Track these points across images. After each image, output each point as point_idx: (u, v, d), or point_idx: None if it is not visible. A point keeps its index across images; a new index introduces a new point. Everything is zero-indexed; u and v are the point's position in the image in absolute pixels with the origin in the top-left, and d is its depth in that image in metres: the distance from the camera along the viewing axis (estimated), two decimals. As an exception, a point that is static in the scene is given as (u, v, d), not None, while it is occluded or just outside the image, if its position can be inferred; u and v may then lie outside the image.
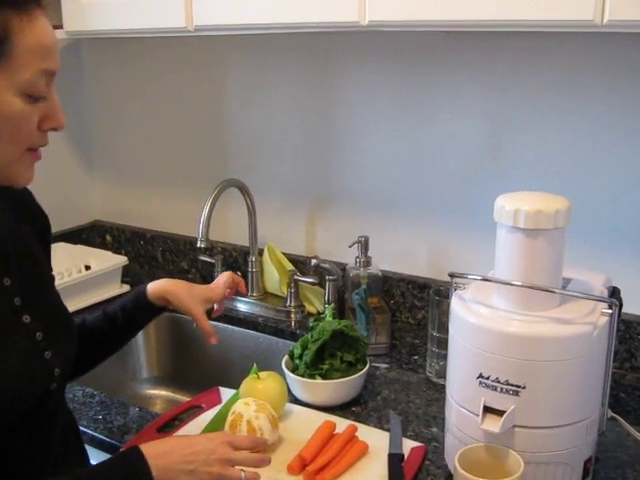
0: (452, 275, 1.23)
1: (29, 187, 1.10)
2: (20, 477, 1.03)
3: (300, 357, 1.51)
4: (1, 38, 0.89)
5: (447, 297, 1.52)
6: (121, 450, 1.11)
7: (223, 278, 1.50)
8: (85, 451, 1.28)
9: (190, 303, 1.40)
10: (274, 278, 1.98)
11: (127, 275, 2.17)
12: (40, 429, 1.10)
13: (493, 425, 1.11)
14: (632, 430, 1.27)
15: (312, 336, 1.52)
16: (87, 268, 2.04)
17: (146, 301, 1.38)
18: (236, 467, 1.08)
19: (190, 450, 1.05)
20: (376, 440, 1.34)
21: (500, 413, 1.11)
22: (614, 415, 1.25)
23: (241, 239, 2.09)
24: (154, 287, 1.39)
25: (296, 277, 1.91)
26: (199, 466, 1.04)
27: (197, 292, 1.43)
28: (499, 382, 1.11)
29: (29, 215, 1.17)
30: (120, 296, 2.03)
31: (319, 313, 1.85)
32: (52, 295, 1.19)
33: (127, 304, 1.38)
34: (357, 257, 1.79)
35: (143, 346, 2.05)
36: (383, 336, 1.73)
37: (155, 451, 1.03)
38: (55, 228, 1.28)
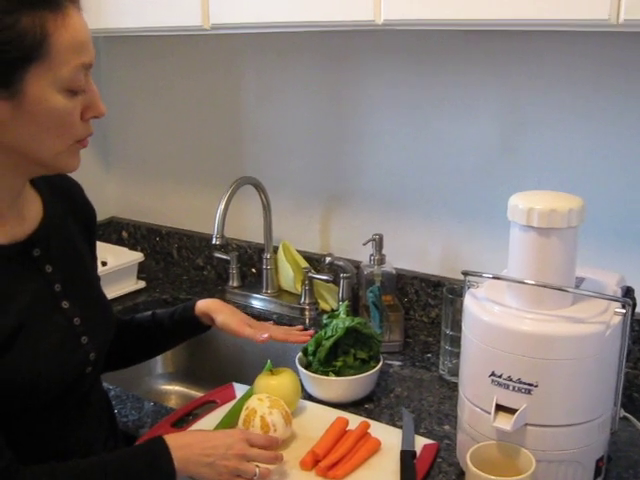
0: (465, 273, 1.23)
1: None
2: (53, 455, 1.07)
3: (314, 354, 1.52)
4: (39, 40, 0.93)
5: (460, 295, 1.52)
6: (146, 439, 1.16)
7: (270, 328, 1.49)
8: (118, 433, 1.33)
9: (233, 322, 1.40)
10: (288, 275, 1.99)
11: (143, 271, 2.19)
12: (74, 410, 1.15)
13: (505, 423, 1.11)
14: (644, 430, 1.27)
15: (326, 333, 1.52)
16: (103, 264, 2.05)
17: (192, 314, 1.41)
18: (251, 463, 1.14)
19: (210, 444, 1.13)
20: (388, 437, 1.35)
21: (512, 411, 1.12)
22: (627, 414, 1.25)
23: (256, 236, 2.10)
24: (201, 303, 1.42)
25: (310, 274, 1.92)
26: (217, 459, 1.11)
27: (240, 315, 1.44)
28: (511, 380, 1.11)
29: (75, 208, 1.23)
30: (136, 292, 2.08)
31: (333, 310, 1.86)
32: (92, 284, 1.24)
33: (175, 313, 1.42)
34: (371, 255, 1.79)
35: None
36: (396, 334, 1.74)
37: (177, 443, 1.10)
38: (72, 225, 1.29)
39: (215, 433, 1.21)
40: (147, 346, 1.45)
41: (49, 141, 1.00)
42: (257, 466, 1.15)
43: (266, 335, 1.39)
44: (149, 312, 1.45)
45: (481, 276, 1.20)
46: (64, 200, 1.20)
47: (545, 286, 1.11)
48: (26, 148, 1.00)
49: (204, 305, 1.42)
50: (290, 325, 1.87)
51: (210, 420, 1.42)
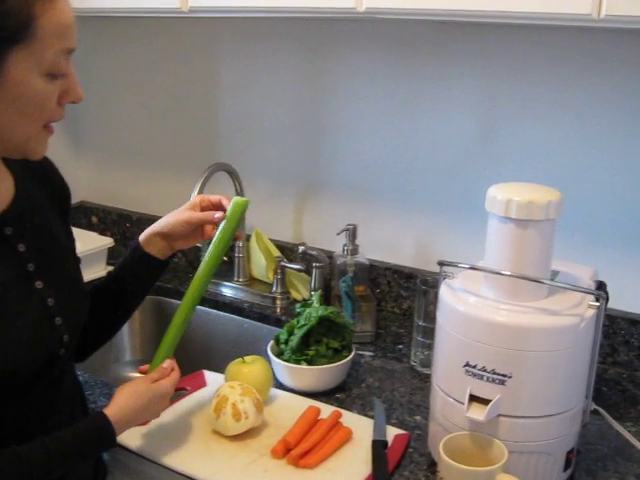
0: (441, 263, 1.23)
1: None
2: (25, 440, 1.04)
3: (286, 342, 1.51)
4: (25, 21, 0.91)
5: (433, 287, 1.53)
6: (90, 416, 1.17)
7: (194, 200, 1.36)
8: None
9: (179, 214, 1.30)
10: (260, 264, 1.98)
11: (113, 257, 2.16)
12: (45, 395, 1.13)
13: (478, 414, 1.12)
14: (614, 423, 1.29)
15: (298, 321, 1.52)
16: (72, 249, 2.02)
17: (142, 252, 1.31)
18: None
19: (145, 412, 1.19)
20: (360, 427, 1.34)
21: (486, 402, 1.12)
22: (597, 407, 1.26)
23: (228, 224, 2.08)
24: (143, 234, 1.32)
25: (283, 263, 1.91)
26: (148, 412, 1.21)
27: (183, 208, 1.33)
28: (485, 371, 1.12)
29: (48, 184, 1.20)
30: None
31: (304, 300, 1.85)
32: (67, 263, 1.21)
33: (126, 261, 1.33)
34: (345, 245, 1.79)
35: (127, 328, 2.04)
36: (368, 324, 1.74)
37: (117, 417, 1.13)
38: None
39: (152, 397, 1.19)
40: (118, 308, 1.36)
41: (23, 124, 0.98)
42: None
43: (219, 213, 1.27)
44: (105, 276, 1.37)
45: (457, 266, 1.20)
46: (37, 178, 1.17)
47: (521, 277, 1.12)
48: None
49: (147, 232, 1.31)
50: (260, 314, 1.87)
51: (180, 407, 1.41)
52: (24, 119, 0.98)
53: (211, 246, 1.28)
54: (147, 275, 1.34)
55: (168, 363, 1.24)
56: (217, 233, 1.27)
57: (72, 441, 1.07)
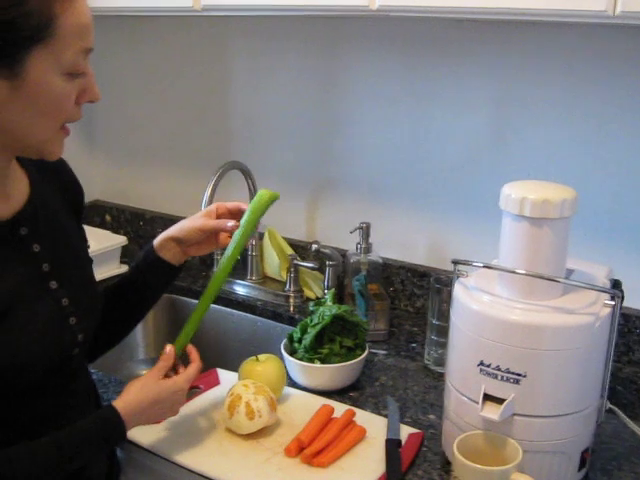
0: (455, 262, 1.23)
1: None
2: (35, 439, 1.05)
3: (299, 341, 1.51)
4: (46, 21, 0.92)
5: (447, 285, 1.53)
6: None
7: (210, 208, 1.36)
8: None
9: (194, 221, 1.30)
10: (274, 262, 1.98)
11: (126, 255, 2.16)
12: (59, 394, 1.14)
13: (493, 413, 1.11)
14: (629, 422, 1.28)
15: (312, 320, 1.52)
16: (86, 247, 2.03)
17: (155, 256, 1.31)
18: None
19: (158, 407, 1.18)
20: (373, 425, 1.34)
21: (500, 401, 1.12)
22: (612, 407, 1.25)
23: (241, 222, 2.08)
24: (159, 238, 1.32)
25: (296, 262, 1.91)
26: (161, 412, 1.21)
27: (198, 215, 1.33)
28: (500, 370, 1.11)
29: (62, 185, 1.21)
30: (119, 276, 2.05)
31: (318, 298, 1.85)
32: (80, 264, 1.21)
33: (139, 264, 1.33)
34: (358, 243, 1.79)
35: (140, 327, 2.04)
36: (382, 323, 1.73)
37: (127, 411, 1.13)
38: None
39: (160, 392, 1.19)
40: (129, 310, 1.37)
41: (41, 125, 0.99)
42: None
43: (232, 222, 1.27)
44: (119, 277, 1.37)
45: (471, 265, 1.19)
46: (51, 178, 1.18)
47: (536, 276, 1.11)
48: (17, 130, 0.98)
49: (161, 237, 1.31)
50: (274, 313, 1.87)
51: (194, 406, 1.41)
52: (43, 119, 0.99)
53: (234, 237, 1.28)
54: (159, 280, 1.34)
55: (169, 348, 1.25)
56: (241, 223, 1.27)
57: (82, 434, 1.08)
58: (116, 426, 1.11)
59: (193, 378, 1.24)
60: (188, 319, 1.30)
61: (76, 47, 0.96)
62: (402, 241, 1.88)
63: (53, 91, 0.97)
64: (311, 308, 1.56)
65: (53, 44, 0.94)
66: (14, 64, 0.93)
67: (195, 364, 1.25)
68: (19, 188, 1.10)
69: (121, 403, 1.13)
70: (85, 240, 1.27)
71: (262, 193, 1.28)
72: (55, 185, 1.19)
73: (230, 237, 1.28)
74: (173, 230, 1.30)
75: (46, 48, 0.94)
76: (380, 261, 1.80)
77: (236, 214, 1.30)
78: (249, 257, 2.00)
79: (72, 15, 0.95)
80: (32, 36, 0.92)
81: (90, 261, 1.26)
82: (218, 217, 1.31)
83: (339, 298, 1.80)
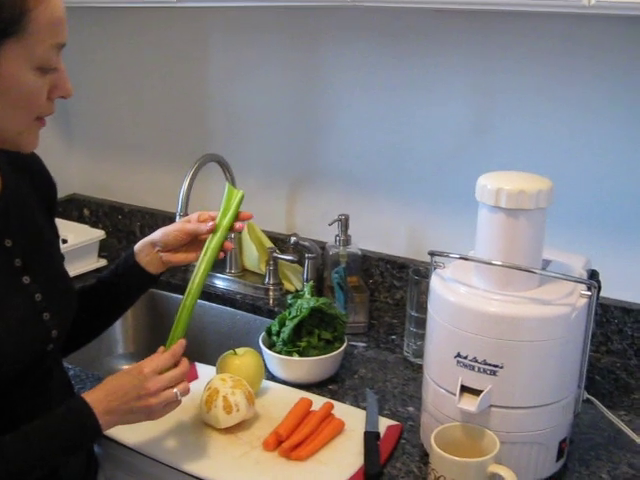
0: (432, 253, 1.22)
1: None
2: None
3: (278, 334, 1.51)
4: (18, 16, 0.92)
5: (426, 277, 1.52)
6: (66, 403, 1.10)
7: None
8: None
9: (174, 225, 1.31)
10: (253, 255, 1.97)
11: (104, 249, 2.15)
12: (35, 390, 1.13)
13: (470, 404, 1.11)
14: (607, 412, 1.28)
15: (290, 313, 1.51)
16: (64, 242, 2.00)
17: (133, 262, 1.31)
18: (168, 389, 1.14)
19: (121, 392, 1.10)
20: (352, 418, 1.34)
21: (477, 392, 1.12)
22: (589, 397, 1.26)
23: (220, 215, 2.07)
24: (139, 243, 1.32)
25: (275, 255, 1.90)
26: (135, 404, 1.10)
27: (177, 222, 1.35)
28: (477, 362, 1.11)
29: (34, 180, 1.19)
30: (97, 270, 2.04)
31: (297, 291, 1.85)
32: (53, 259, 1.20)
33: (118, 268, 1.33)
34: (337, 236, 1.78)
35: (119, 322, 2.03)
36: (361, 315, 1.73)
37: (97, 397, 1.08)
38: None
39: (122, 378, 1.13)
40: (102, 312, 1.36)
41: (14, 117, 0.98)
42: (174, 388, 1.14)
43: (210, 223, 1.27)
44: (94, 279, 1.36)
45: (448, 256, 1.19)
46: (24, 173, 1.17)
47: (512, 267, 1.11)
48: None
49: (141, 241, 1.31)
50: (253, 306, 1.86)
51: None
52: (16, 112, 0.98)
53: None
54: (133, 286, 1.34)
55: (181, 346, 1.20)
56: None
57: (52, 426, 1.05)
58: (86, 418, 1.06)
59: (162, 371, 1.15)
60: (176, 318, 1.25)
61: (49, 42, 0.96)
62: (381, 233, 1.88)
63: (24, 85, 0.96)
64: (289, 301, 1.55)
65: (25, 38, 0.93)
66: None
67: (178, 369, 1.17)
68: None
69: (92, 394, 1.09)
70: (58, 236, 1.26)
71: (234, 192, 1.29)
72: (27, 179, 1.17)
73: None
74: (153, 234, 1.31)
75: (18, 42, 0.93)
76: (359, 253, 1.80)
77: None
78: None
79: (45, 9, 0.94)
80: (4, 29, 0.91)
81: (62, 257, 1.24)
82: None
83: (318, 291, 1.80)
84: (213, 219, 1.29)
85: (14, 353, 1.05)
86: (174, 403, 1.15)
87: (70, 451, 1.08)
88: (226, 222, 1.27)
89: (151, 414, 1.13)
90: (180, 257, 1.32)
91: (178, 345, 1.19)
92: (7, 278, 1.07)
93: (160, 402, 1.12)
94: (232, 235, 1.97)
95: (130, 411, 1.10)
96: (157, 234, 1.30)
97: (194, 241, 1.30)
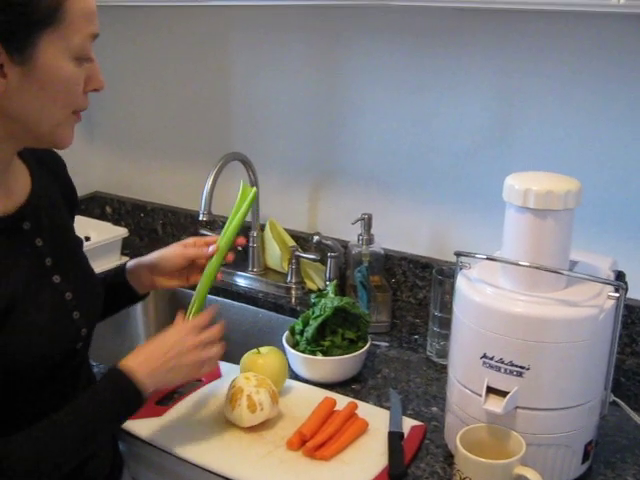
0: (458, 254, 1.22)
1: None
2: None
3: (301, 333, 1.51)
4: (55, 5, 0.94)
5: (450, 277, 1.52)
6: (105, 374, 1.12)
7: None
8: None
9: (174, 248, 1.34)
10: (275, 254, 1.97)
11: (127, 247, 2.16)
12: (64, 385, 1.14)
13: (496, 406, 1.11)
14: (633, 414, 1.27)
15: (314, 312, 1.51)
16: (87, 239, 2.02)
17: (122, 278, 1.35)
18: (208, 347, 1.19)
19: (164, 349, 1.14)
20: (376, 418, 1.34)
21: (503, 394, 1.11)
22: (616, 399, 1.25)
23: (242, 214, 2.07)
24: (133, 261, 1.37)
25: (297, 253, 1.90)
26: (177, 361, 1.14)
27: (173, 245, 1.37)
28: (503, 362, 1.11)
29: (59, 180, 1.22)
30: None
31: (319, 290, 1.84)
32: (80, 258, 1.22)
33: (107, 277, 1.36)
34: (360, 234, 1.78)
35: (141, 318, 2.05)
36: (384, 315, 1.72)
37: (134, 363, 1.10)
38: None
39: (164, 336, 1.17)
40: None
41: (52, 111, 1.00)
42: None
43: (212, 247, 1.31)
44: None
45: (474, 257, 1.19)
46: (49, 174, 1.18)
47: (539, 268, 1.10)
48: (28, 117, 0.99)
49: (135, 261, 1.35)
50: (275, 304, 1.86)
51: (195, 398, 1.41)
52: (54, 105, 0.99)
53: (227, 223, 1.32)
54: (119, 299, 1.38)
55: (214, 309, 1.25)
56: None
57: (98, 402, 1.07)
58: (125, 383, 1.08)
59: (204, 327, 1.21)
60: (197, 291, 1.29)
61: (84, 31, 0.98)
62: (404, 232, 1.87)
63: (63, 76, 0.98)
64: (313, 300, 1.55)
65: (62, 28, 0.95)
66: (25, 48, 0.93)
67: (214, 327, 1.22)
68: (21, 182, 1.10)
69: (127, 360, 1.11)
70: (81, 242, 1.28)
71: (247, 189, 1.34)
72: (53, 180, 1.19)
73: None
74: (150, 256, 1.35)
75: (56, 32, 0.95)
76: (382, 252, 1.79)
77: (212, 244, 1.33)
78: (250, 248, 1.99)
79: (80, 0, 0.96)
80: (42, 20, 0.93)
81: (86, 258, 1.25)
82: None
83: (341, 290, 1.79)
84: (208, 244, 1.32)
85: (46, 352, 1.06)
86: (212, 360, 1.20)
87: (120, 421, 1.12)
88: (237, 218, 1.31)
89: (190, 371, 1.17)
90: (174, 283, 1.37)
91: (212, 308, 1.25)
92: (39, 277, 1.08)
93: (200, 358, 1.17)
94: (255, 234, 1.98)
95: (171, 369, 1.13)
96: (155, 259, 1.34)
97: (191, 265, 1.34)
